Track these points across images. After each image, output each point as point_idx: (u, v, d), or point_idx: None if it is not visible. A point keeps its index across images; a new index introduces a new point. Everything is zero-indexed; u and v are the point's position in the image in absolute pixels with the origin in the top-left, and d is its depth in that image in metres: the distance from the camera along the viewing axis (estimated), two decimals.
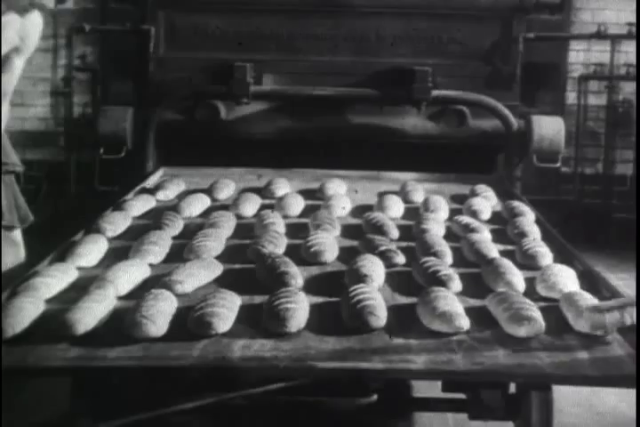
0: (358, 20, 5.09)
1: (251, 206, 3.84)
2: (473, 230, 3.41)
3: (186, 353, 2.22)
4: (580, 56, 6.37)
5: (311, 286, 2.71)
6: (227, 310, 2.40)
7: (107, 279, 2.68)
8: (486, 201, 3.98)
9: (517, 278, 2.74)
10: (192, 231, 3.40)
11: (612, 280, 3.12)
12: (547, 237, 3.40)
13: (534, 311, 2.40)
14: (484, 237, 3.33)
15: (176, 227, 3.49)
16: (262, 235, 3.29)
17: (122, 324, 2.33)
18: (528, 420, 2.41)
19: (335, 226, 3.49)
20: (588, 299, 2.50)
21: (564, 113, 5.69)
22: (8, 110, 3.52)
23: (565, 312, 2.48)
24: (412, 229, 3.49)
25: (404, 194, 4.15)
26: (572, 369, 2.18)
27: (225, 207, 3.83)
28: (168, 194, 4.11)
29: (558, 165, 5.03)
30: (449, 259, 3.06)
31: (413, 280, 2.82)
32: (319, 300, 2.58)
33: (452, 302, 2.46)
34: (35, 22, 3.32)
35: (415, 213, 3.79)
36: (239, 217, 3.68)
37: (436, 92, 4.88)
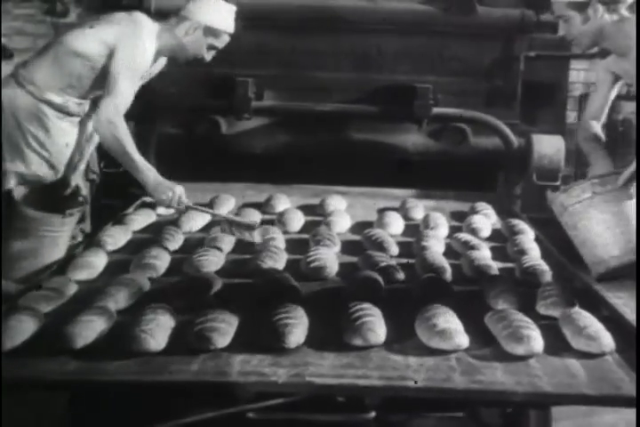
0: (360, 37, 5.09)
1: None
2: (473, 248, 3.42)
3: (185, 368, 2.23)
4: (580, 75, 6.39)
5: (311, 302, 2.71)
6: (226, 324, 2.40)
7: (106, 293, 2.68)
8: (486, 219, 3.98)
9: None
10: (192, 246, 3.40)
11: (611, 299, 3.11)
12: (546, 255, 3.40)
13: (533, 330, 2.40)
14: (484, 255, 3.33)
15: (176, 241, 3.49)
16: (262, 250, 3.29)
17: (121, 338, 2.33)
18: None
19: (335, 242, 3.49)
20: (587, 317, 2.50)
21: (565, 132, 5.69)
22: None
23: (564, 331, 2.49)
24: (412, 246, 3.50)
25: (404, 211, 4.15)
26: (570, 388, 2.18)
27: None
28: (168, 209, 4.11)
29: (558, 183, 5.03)
30: (448, 276, 3.06)
31: (413, 296, 2.82)
32: (318, 315, 2.58)
33: (451, 319, 2.46)
34: (162, 61, 3.88)
35: (415, 230, 3.80)
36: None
37: (436, 110, 4.88)
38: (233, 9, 3.80)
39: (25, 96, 3.60)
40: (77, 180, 3.89)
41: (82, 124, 3.79)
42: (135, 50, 3.56)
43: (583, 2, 3.11)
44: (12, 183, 3.65)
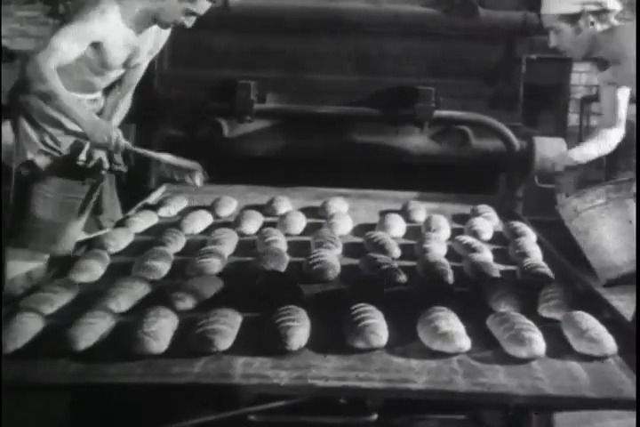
0: (362, 40, 5.10)
1: (253, 224, 3.84)
2: (474, 250, 3.42)
3: (187, 370, 2.23)
4: (582, 78, 6.39)
5: (313, 304, 2.70)
6: (228, 327, 2.40)
7: (108, 295, 2.68)
8: (488, 221, 3.98)
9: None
10: (194, 248, 3.40)
11: (613, 301, 3.11)
12: (548, 258, 3.40)
13: (535, 332, 2.40)
14: (486, 257, 3.33)
15: (178, 243, 3.49)
16: (264, 252, 3.29)
17: (123, 340, 2.33)
18: None
19: (337, 244, 3.49)
20: (589, 320, 2.50)
21: (566, 134, 5.69)
22: (129, 101, 4.09)
23: (566, 333, 2.48)
24: (414, 249, 3.50)
25: (405, 213, 4.15)
26: (572, 391, 2.18)
27: (227, 224, 3.84)
28: (170, 210, 4.11)
29: None
30: (450, 278, 3.06)
31: (415, 299, 2.82)
32: (320, 318, 2.58)
33: (453, 321, 2.46)
34: (166, 32, 3.93)
35: (417, 233, 3.80)
36: (241, 234, 3.68)
37: (438, 112, 4.89)
38: None
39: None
40: (101, 154, 3.93)
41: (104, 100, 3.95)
42: (87, 13, 3.56)
43: (574, 14, 3.11)
44: (31, 155, 3.76)
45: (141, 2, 3.69)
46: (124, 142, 3.54)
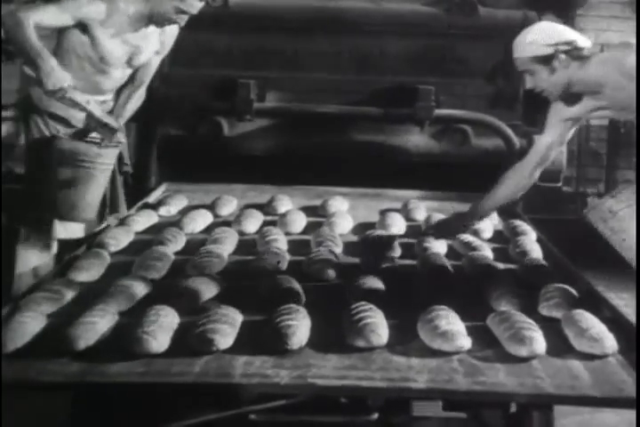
0: (362, 39, 5.09)
1: (253, 223, 3.84)
2: (475, 249, 3.42)
3: (187, 369, 2.22)
4: None
5: (313, 303, 2.70)
6: (228, 326, 2.40)
7: (109, 295, 2.68)
8: (488, 220, 3.97)
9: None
10: (194, 247, 3.40)
11: (613, 300, 3.11)
12: (548, 257, 3.40)
13: (535, 331, 2.40)
14: (486, 256, 3.33)
15: (178, 243, 3.49)
16: (264, 251, 3.29)
17: (123, 339, 2.33)
18: None
19: (337, 243, 3.49)
20: (590, 319, 2.50)
21: None
22: (141, 97, 4.18)
23: (567, 332, 2.48)
24: (414, 247, 3.50)
25: (406, 212, 4.15)
26: (573, 390, 2.18)
27: (227, 223, 3.84)
28: (170, 210, 4.12)
29: (560, 184, 5.03)
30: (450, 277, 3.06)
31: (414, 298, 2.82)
32: (321, 317, 2.58)
33: (453, 320, 2.46)
34: (172, 32, 4.05)
35: (417, 231, 3.79)
36: (241, 233, 3.68)
37: (438, 111, 4.89)
38: None
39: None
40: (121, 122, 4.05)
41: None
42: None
43: (547, 55, 3.12)
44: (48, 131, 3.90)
45: (134, 2, 3.80)
46: (70, 95, 3.62)
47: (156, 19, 3.83)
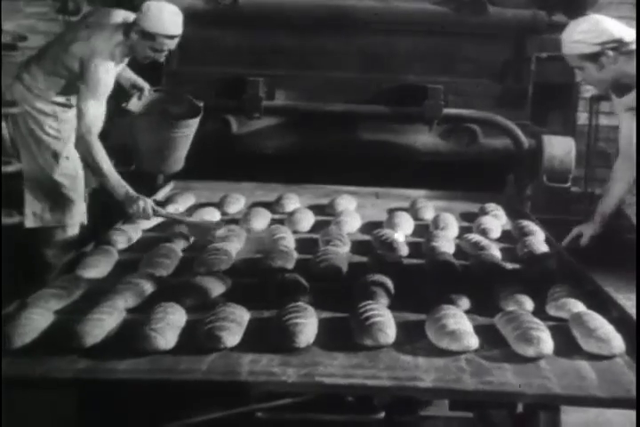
0: (371, 37, 5.09)
1: (261, 221, 3.84)
2: (483, 249, 3.41)
3: (194, 367, 2.23)
4: None
5: (320, 302, 2.70)
6: (236, 324, 2.40)
7: (116, 292, 2.68)
8: (496, 220, 3.98)
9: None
10: (202, 245, 3.40)
11: (621, 300, 3.10)
12: (556, 257, 3.39)
13: (543, 331, 2.39)
14: (494, 256, 3.32)
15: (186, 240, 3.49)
16: (272, 249, 3.29)
17: (130, 336, 2.34)
18: None
19: (345, 242, 3.49)
20: (598, 319, 2.50)
21: (575, 133, 5.67)
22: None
23: (574, 332, 2.48)
24: (422, 247, 3.49)
25: (413, 211, 4.15)
26: (580, 390, 2.18)
27: (235, 221, 3.84)
28: (178, 207, 4.11)
29: (568, 184, 5.02)
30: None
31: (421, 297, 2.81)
32: (328, 315, 2.58)
33: (461, 320, 2.46)
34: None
35: (425, 231, 3.79)
36: (249, 231, 3.68)
37: (447, 110, 4.88)
38: (174, 11, 3.89)
39: (34, 98, 4.09)
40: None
41: None
42: (98, 70, 3.84)
43: (594, 53, 3.14)
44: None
45: (117, 44, 3.92)
46: (150, 212, 3.72)
47: (137, 56, 4.00)
